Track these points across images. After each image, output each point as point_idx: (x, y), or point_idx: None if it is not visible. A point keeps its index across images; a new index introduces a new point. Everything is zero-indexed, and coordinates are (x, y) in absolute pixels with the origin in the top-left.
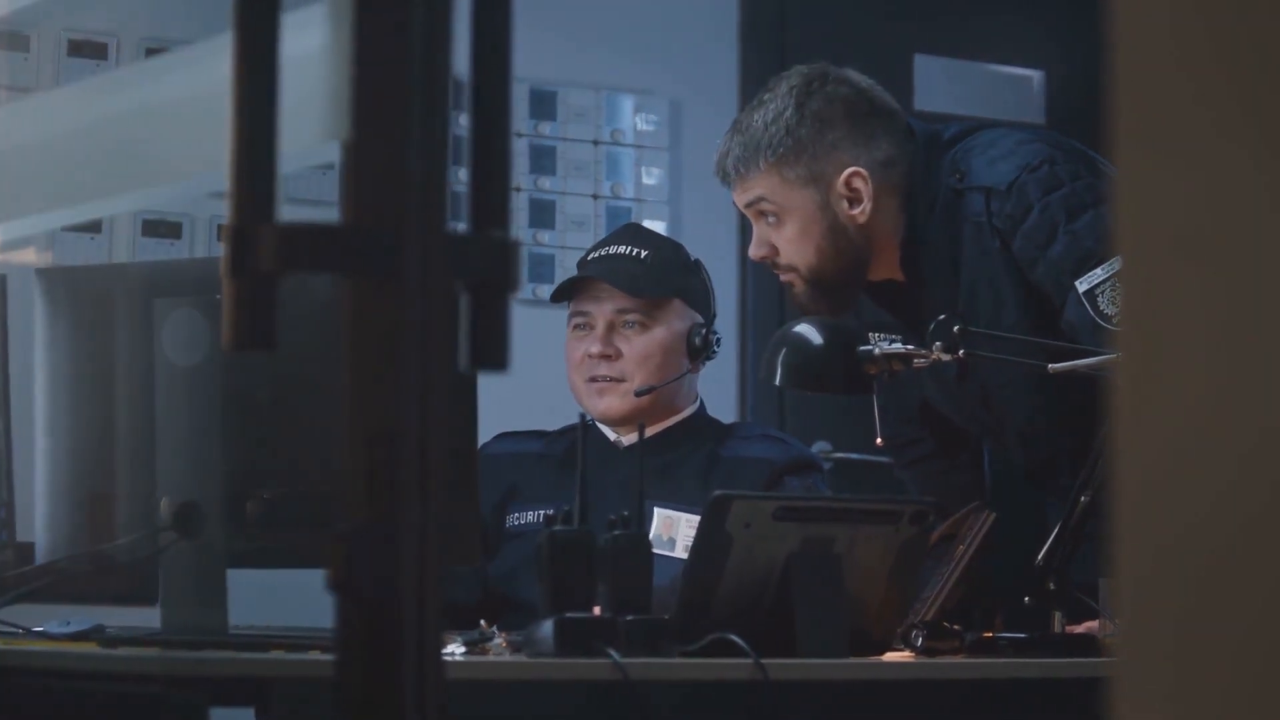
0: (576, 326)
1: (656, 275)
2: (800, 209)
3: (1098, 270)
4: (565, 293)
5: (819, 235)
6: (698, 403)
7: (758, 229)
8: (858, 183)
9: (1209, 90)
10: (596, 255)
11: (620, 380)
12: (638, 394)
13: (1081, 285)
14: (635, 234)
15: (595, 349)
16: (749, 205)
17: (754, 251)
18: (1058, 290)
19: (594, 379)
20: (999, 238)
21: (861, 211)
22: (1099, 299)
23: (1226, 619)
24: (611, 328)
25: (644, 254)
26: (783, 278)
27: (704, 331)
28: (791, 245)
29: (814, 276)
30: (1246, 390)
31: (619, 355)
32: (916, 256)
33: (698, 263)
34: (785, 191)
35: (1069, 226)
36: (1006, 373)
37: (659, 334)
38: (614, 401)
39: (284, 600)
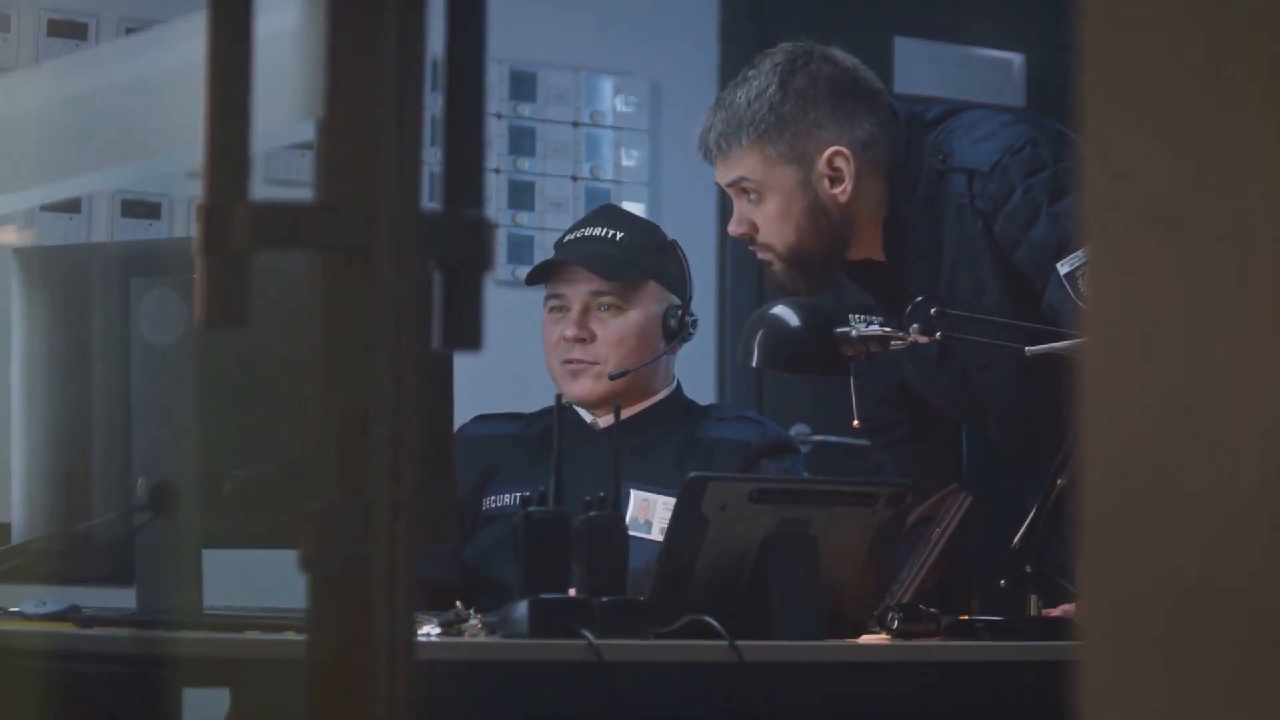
0: (552, 309)
1: (631, 257)
2: (781, 187)
3: (1079, 253)
4: (541, 275)
5: (799, 214)
6: (675, 384)
7: (738, 206)
8: (839, 162)
9: (1181, 61)
10: (572, 237)
11: (594, 363)
12: (611, 377)
13: (1063, 267)
14: (611, 215)
15: (570, 332)
16: (731, 183)
17: (733, 229)
18: (1039, 272)
19: (568, 361)
20: (981, 219)
21: (843, 191)
22: (1079, 281)
23: (1195, 603)
24: (586, 310)
25: (619, 235)
26: (760, 256)
27: (680, 313)
28: (771, 223)
29: (793, 255)
30: (1218, 369)
31: (593, 338)
32: (898, 237)
33: (674, 244)
34: (767, 169)
35: (1051, 209)
36: (986, 354)
37: (634, 316)
38: (588, 384)
39: (259, 580)
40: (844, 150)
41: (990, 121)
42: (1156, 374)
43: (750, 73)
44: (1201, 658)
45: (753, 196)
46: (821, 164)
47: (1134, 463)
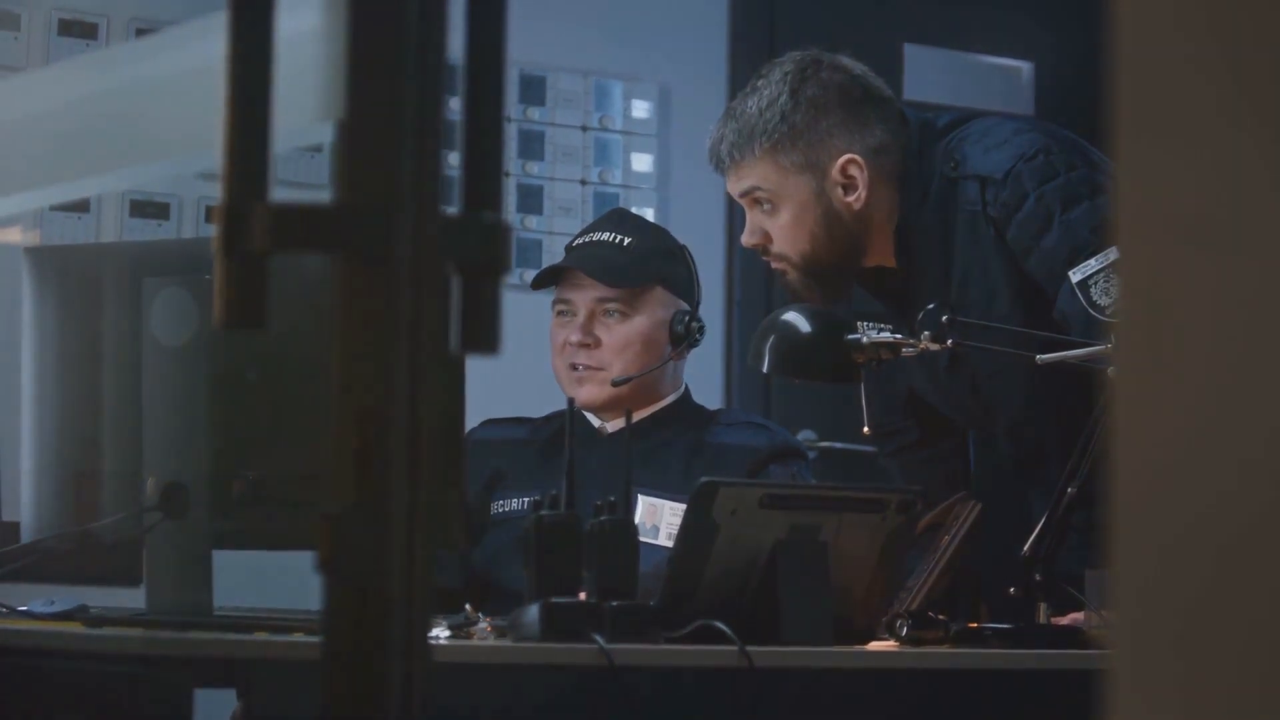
0: (559, 314)
1: (638, 263)
2: (795, 196)
3: (1091, 261)
4: (548, 280)
5: (813, 223)
6: (682, 389)
7: (751, 217)
8: (853, 169)
9: (1212, 75)
10: (580, 241)
11: (599, 369)
12: (614, 384)
13: (1075, 275)
14: (620, 220)
15: (575, 337)
16: (743, 193)
17: (746, 239)
18: (1051, 280)
19: (574, 366)
20: (993, 226)
21: (857, 199)
22: (1092, 289)
23: (1228, 614)
24: (592, 316)
25: (627, 241)
26: (775, 266)
27: (687, 319)
28: (785, 233)
29: (808, 265)
30: (1248, 382)
31: (598, 344)
32: (910, 244)
33: (683, 249)
34: (780, 178)
35: (1064, 217)
36: (996, 362)
37: (639, 323)
38: (592, 389)
39: (269, 581)
40: (857, 158)
41: (1003, 129)
42: (1188, 388)
43: (759, 82)
44: (1236, 669)
45: (766, 206)
46: (835, 172)
47: (1165, 475)
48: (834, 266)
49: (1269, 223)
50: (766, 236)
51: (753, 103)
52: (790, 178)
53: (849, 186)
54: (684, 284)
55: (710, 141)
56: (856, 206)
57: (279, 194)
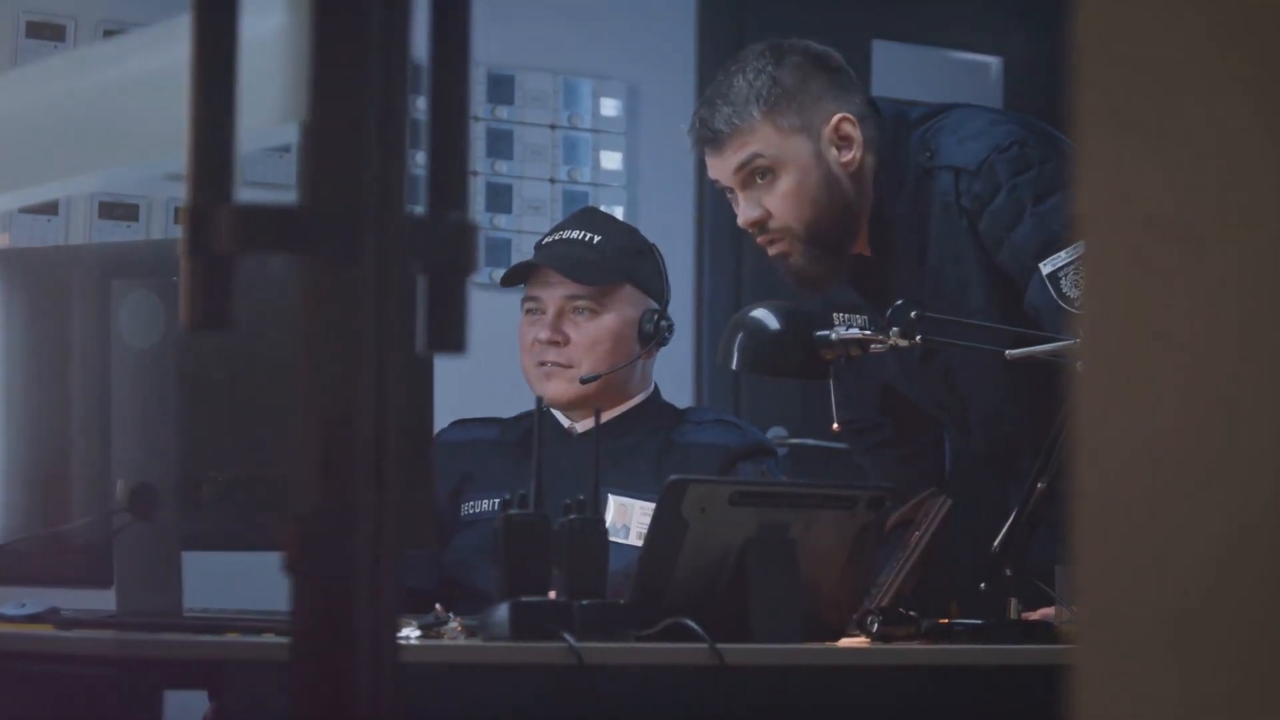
0: (528, 311)
1: (607, 260)
2: (796, 159)
3: (1062, 253)
4: (517, 277)
5: (814, 187)
6: (651, 388)
7: (746, 195)
8: (846, 127)
9: (1174, 69)
10: (550, 239)
11: (568, 366)
12: (583, 381)
13: (1045, 268)
14: (590, 218)
15: (544, 334)
16: (741, 166)
17: (746, 215)
18: (1021, 272)
19: (542, 364)
20: (966, 218)
21: (853, 159)
22: (1062, 282)
23: (1191, 608)
24: (561, 313)
25: (596, 239)
26: (774, 250)
27: (655, 317)
28: (788, 201)
29: (811, 234)
30: (1211, 376)
31: (567, 341)
32: (885, 234)
33: (652, 247)
34: (781, 141)
35: (1036, 209)
36: (968, 355)
37: (608, 320)
38: (561, 386)
39: (239, 583)
40: (849, 115)
41: (978, 120)
42: (1151, 382)
43: (734, 66)
44: (1197, 665)
45: (765, 177)
46: (829, 131)
47: (1128, 470)
48: (836, 233)
49: (1230, 216)
50: (766, 212)
51: (738, 80)
52: (789, 140)
53: (844, 146)
54: (653, 282)
55: (697, 123)
56: (852, 168)
57: (249, 195)
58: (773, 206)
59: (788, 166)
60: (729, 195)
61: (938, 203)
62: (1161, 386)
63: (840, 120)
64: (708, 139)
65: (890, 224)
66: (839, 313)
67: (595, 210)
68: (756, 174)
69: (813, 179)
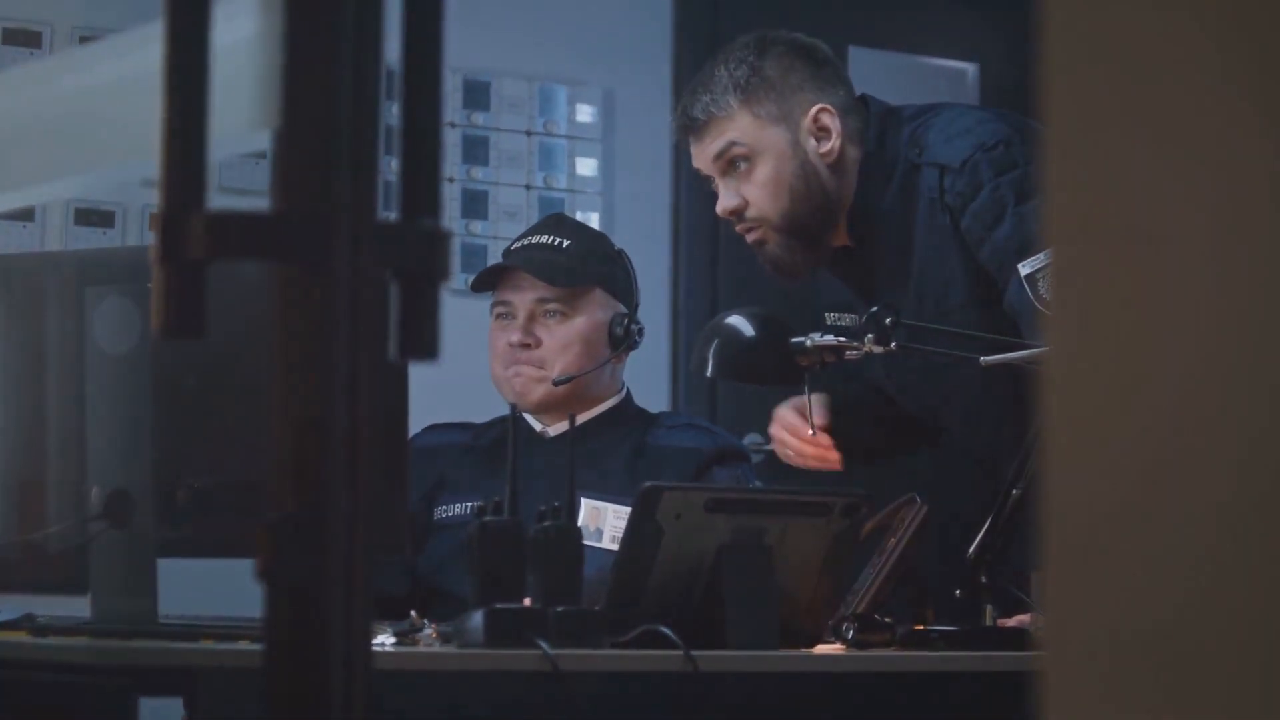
0: (499, 315)
1: (578, 265)
2: (772, 148)
3: (1041, 255)
4: (488, 282)
5: (791, 177)
6: (624, 392)
7: (725, 183)
8: (825, 118)
9: (1142, 75)
10: (519, 244)
11: (539, 369)
12: (556, 383)
13: (1024, 269)
14: (558, 224)
15: (515, 338)
16: (718, 154)
17: (724, 204)
18: (1001, 272)
19: (513, 368)
20: (949, 215)
21: (831, 150)
22: (1040, 284)
23: (1159, 614)
24: (532, 317)
25: (566, 243)
26: (751, 237)
27: (625, 321)
28: (764, 190)
29: (787, 223)
30: (1178, 379)
31: (539, 344)
32: (873, 227)
33: (621, 252)
34: (757, 130)
35: (1017, 209)
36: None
37: (579, 323)
38: (532, 389)
39: (214, 590)
40: (828, 107)
41: (967, 118)
42: (1118, 386)
43: (719, 57)
44: (1165, 674)
45: (742, 165)
46: (808, 122)
47: (1099, 476)
48: (812, 224)
49: (1199, 219)
50: (744, 201)
51: (720, 69)
52: (766, 129)
53: (822, 137)
54: (622, 286)
55: (678, 111)
56: (831, 158)
57: (224, 201)
58: (750, 195)
59: (764, 155)
60: (711, 184)
61: (924, 199)
62: (1130, 393)
63: (819, 111)
64: (688, 126)
65: (876, 217)
66: (830, 312)
67: (564, 216)
68: (734, 162)
69: (789, 168)
